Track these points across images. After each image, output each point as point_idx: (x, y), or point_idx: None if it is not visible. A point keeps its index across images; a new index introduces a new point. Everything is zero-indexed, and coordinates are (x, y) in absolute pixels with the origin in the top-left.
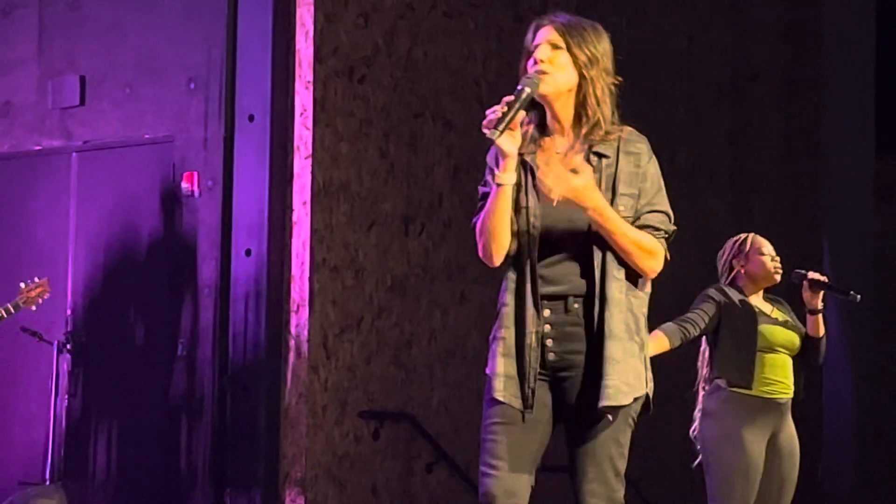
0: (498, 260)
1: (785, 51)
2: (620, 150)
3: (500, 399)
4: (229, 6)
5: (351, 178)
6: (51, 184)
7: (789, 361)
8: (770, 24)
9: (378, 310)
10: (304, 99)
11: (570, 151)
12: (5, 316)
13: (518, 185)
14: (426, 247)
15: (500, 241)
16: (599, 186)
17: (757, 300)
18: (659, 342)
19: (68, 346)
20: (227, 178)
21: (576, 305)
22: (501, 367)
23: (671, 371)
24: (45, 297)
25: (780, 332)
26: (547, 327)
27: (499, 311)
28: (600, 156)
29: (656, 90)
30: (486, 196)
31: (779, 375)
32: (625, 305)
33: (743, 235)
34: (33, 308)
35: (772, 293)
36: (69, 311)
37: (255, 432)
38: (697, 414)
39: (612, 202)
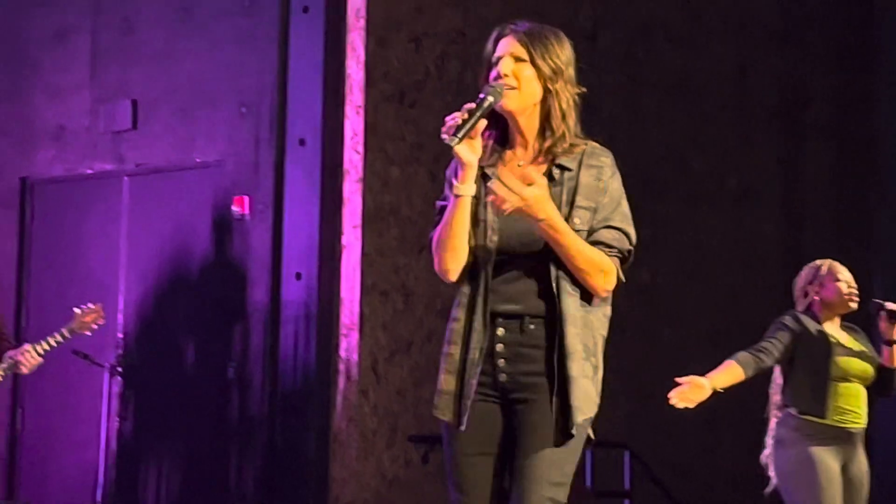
0: (455, 275)
1: (837, 77)
2: (583, 163)
3: (440, 416)
4: (281, 31)
5: (401, 202)
6: (103, 207)
7: (863, 391)
8: (823, 50)
9: (428, 333)
10: (354, 123)
11: (532, 164)
12: (61, 340)
13: (477, 198)
14: None
15: (458, 255)
16: (560, 199)
17: (833, 328)
18: (733, 372)
19: (119, 369)
20: (277, 201)
21: (531, 326)
22: (443, 384)
23: (723, 396)
24: (100, 322)
25: (854, 363)
26: (500, 346)
27: (449, 326)
28: (563, 168)
29: (707, 115)
30: (444, 210)
31: (851, 405)
32: (581, 323)
33: (819, 261)
34: (87, 333)
35: (849, 321)
36: (120, 334)
37: (305, 455)
38: (769, 440)
39: (568, 214)
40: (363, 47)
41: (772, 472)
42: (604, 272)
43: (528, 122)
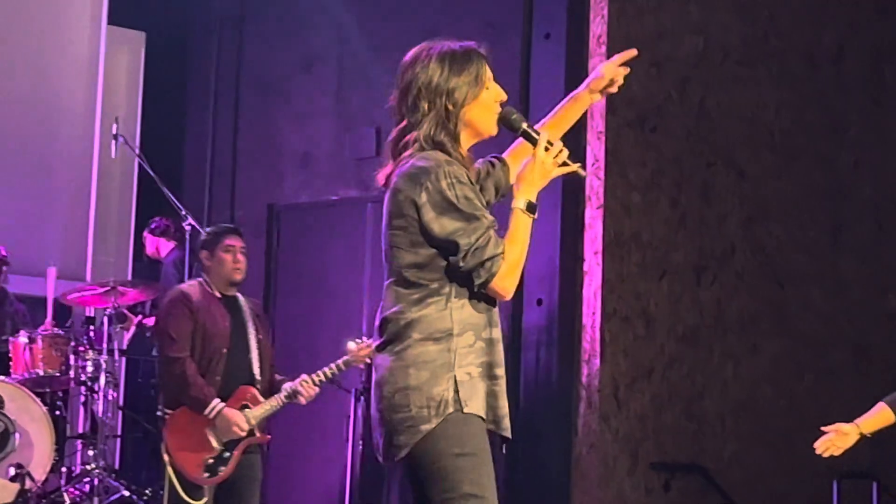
0: None
1: None
2: None
3: (507, 436)
4: (523, 58)
5: (642, 228)
6: (347, 233)
7: None
8: None
9: (669, 360)
10: (595, 149)
11: None
12: (336, 372)
13: None
14: (718, 297)
15: None
16: None
17: None
18: (884, 416)
19: (363, 393)
20: None
21: None
22: (504, 408)
23: None
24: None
25: None
26: None
27: (494, 348)
28: None
29: None
30: (490, 226)
31: None
32: None
33: None
34: (361, 366)
35: None
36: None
37: (547, 482)
38: None
39: None
40: None
41: None
42: None
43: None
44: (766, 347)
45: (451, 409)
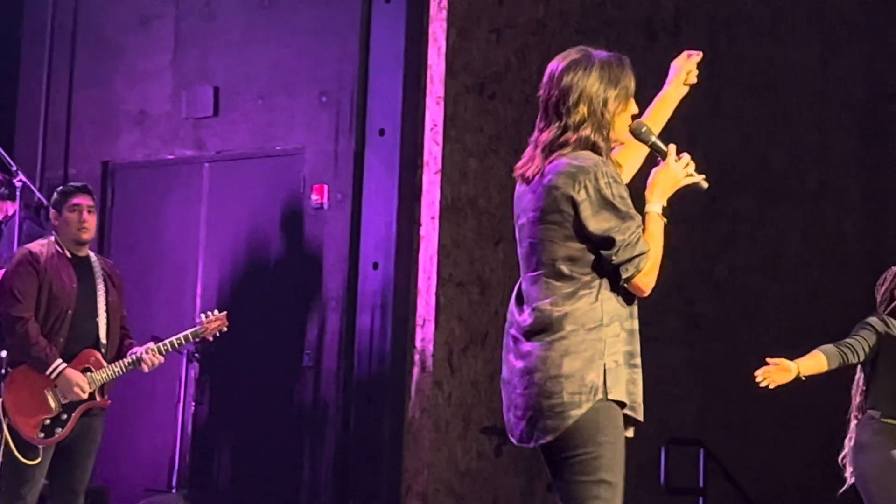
0: None
1: None
2: None
3: (638, 419)
4: (362, 21)
5: (479, 194)
6: (183, 193)
7: None
8: None
9: (503, 325)
10: (434, 114)
11: None
12: (183, 342)
13: None
14: None
15: None
16: None
17: None
18: (817, 361)
19: (196, 355)
20: (356, 191)
21: None
22: (640, 396)
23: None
24: (224, 329)
25: None
26: None
27: (635, 339)
28: None
29: (788, 110)
30: (638, 224)
31: None
32: None
33: None
34: (209, 339)
35: None
36: (198, 320)
37: (379, 445)
38: (849, 443)
39: None
40: (444, 38)
41: (848, 474)
42: None
43: None
44: None
45: (599, 396)
